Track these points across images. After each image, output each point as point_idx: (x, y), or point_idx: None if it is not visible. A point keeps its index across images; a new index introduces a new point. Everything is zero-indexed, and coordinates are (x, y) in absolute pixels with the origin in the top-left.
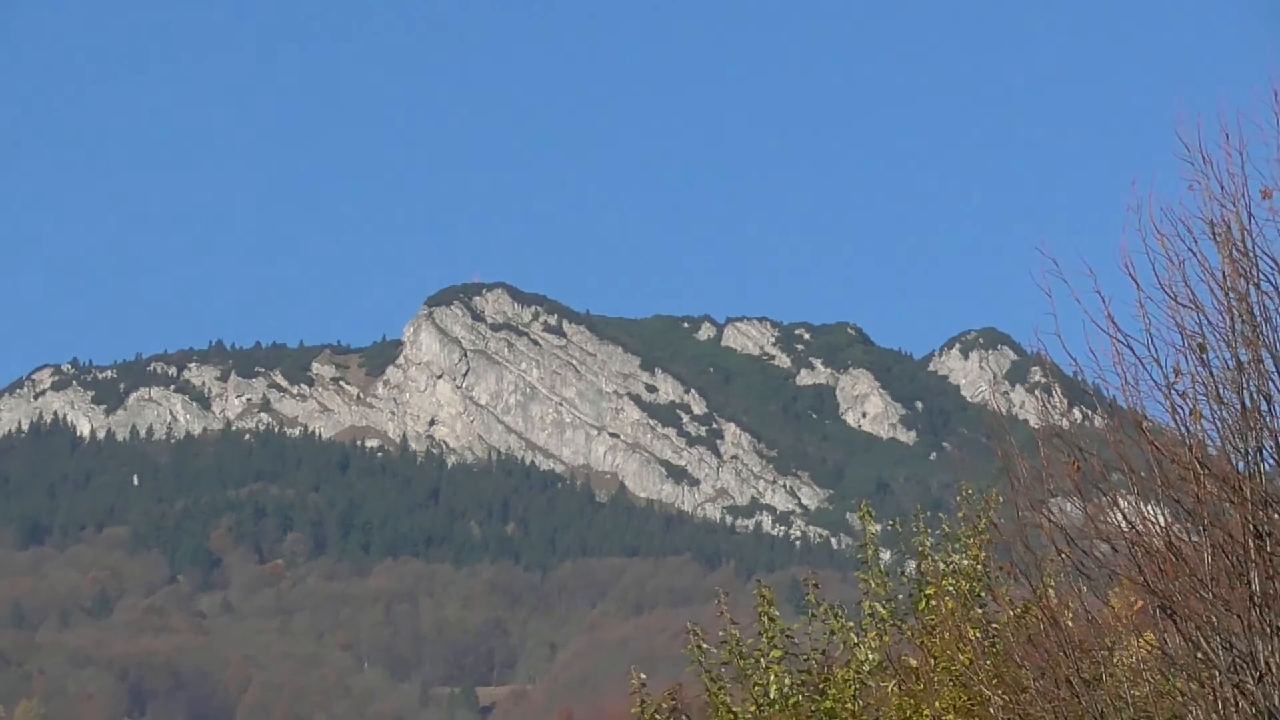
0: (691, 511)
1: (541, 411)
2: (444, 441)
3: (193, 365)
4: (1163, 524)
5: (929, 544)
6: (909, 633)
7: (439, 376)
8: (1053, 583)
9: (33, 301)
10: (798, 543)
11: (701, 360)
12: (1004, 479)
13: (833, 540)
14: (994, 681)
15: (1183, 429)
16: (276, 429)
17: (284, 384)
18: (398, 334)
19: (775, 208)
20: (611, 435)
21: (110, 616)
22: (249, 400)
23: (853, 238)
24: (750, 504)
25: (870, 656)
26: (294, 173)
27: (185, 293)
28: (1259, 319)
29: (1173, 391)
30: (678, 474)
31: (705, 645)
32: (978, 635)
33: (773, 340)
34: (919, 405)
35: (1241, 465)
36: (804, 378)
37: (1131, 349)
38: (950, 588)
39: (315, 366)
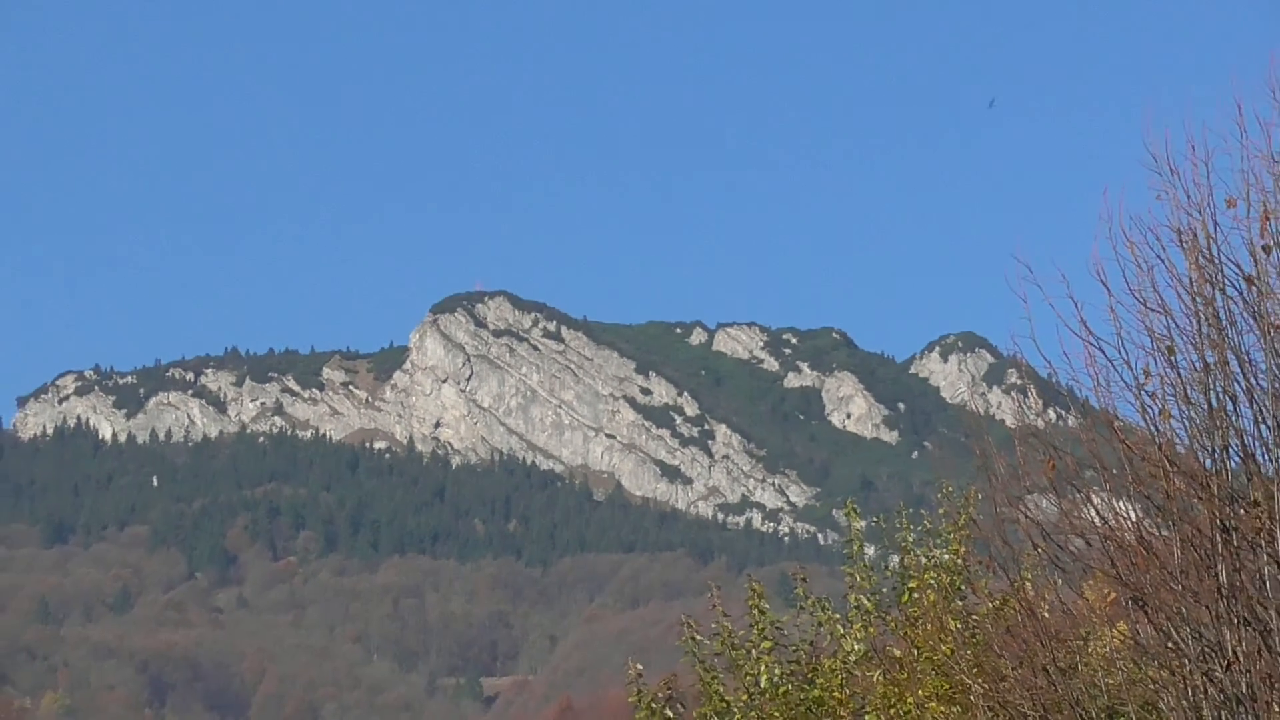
0: (685, 509)
1: (541, 414)
2: (449, 443)
3: (209, 371)
4: (1134, 519)
5: (911, 539)
6: (893, 624)
7: (444, 381)
8: (1030, 576)
9: (57, 310)
10: (786, 538)
11: (693, 364)
12: (982, 476)
13: (819, 536)
14: (974, 670)
15: (1152, 428)
16: (289, 432)
17: (296, 388)
18: (404, 340)
19: (763, 218)
20: (608, 436)
21: (131, 611)
22: (263, 404)
23: (837, 247)
24: (741, 501)
25: (856, 647)
26: (306, 187)
27: (202, 302)
28: (1224, 323)
29: (1143, 392)
30: (671, 473)
31: (699, 636)
32: (958, 626)
33: (761, 344)
34: (901, 406)
35: (1209, 463)
36: (791, 380)
37: (1103, 352)
38: (932, 581)
39: (326, 372)
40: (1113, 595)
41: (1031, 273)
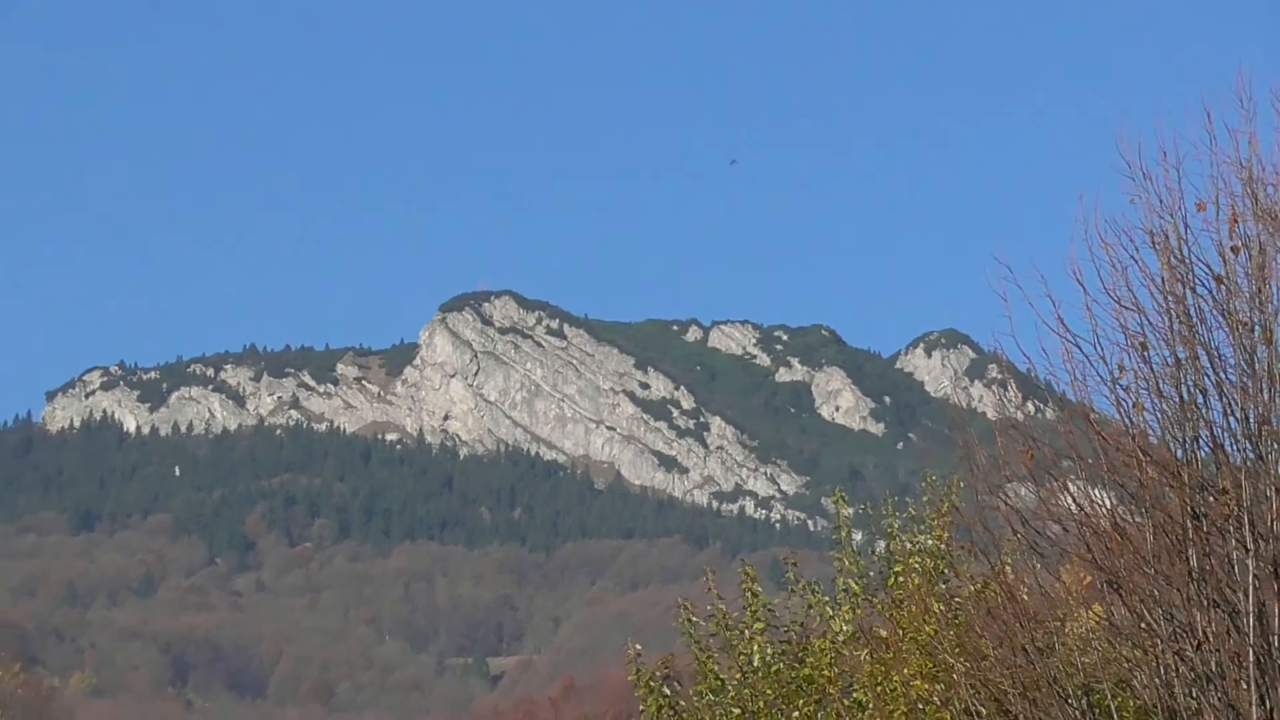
0: (681, 497)
1: (545, 407)
2: (457, 435)
3: (229, 366)
4: (1109, 506)
5: (897, 525)
6: (879, 606)
7: (452, 376)
8: (1009, 560)
9: (83, 309)
10: (778, 525)
11: (689, 360)
12: (964, 466)
13: (809, 523)
14: (957, 650)
15: (1126, 420)
16: (305, 424)
17: (311, 383)
18: (414, 337)
19: (756, 221)
20: (608, 428)
21: (155, 596)
22: (280, 398)
23: (826, 248)
24: (734, 490)
25: (844, 628)
26: (322, 192)
27: (222, 301)
28: (1195, 320)
29: (1117, 386)
30: (668, 463)
31: (694, 618)
32: (942, 608)
33: (754, 341)
34: (887, 400)
35: (1180, 453)
36: (782, 375)
37: (1079, 348)
38: (916, 565)
39: (340, 367)
40: (1088, 579)
41: (1011, 273)
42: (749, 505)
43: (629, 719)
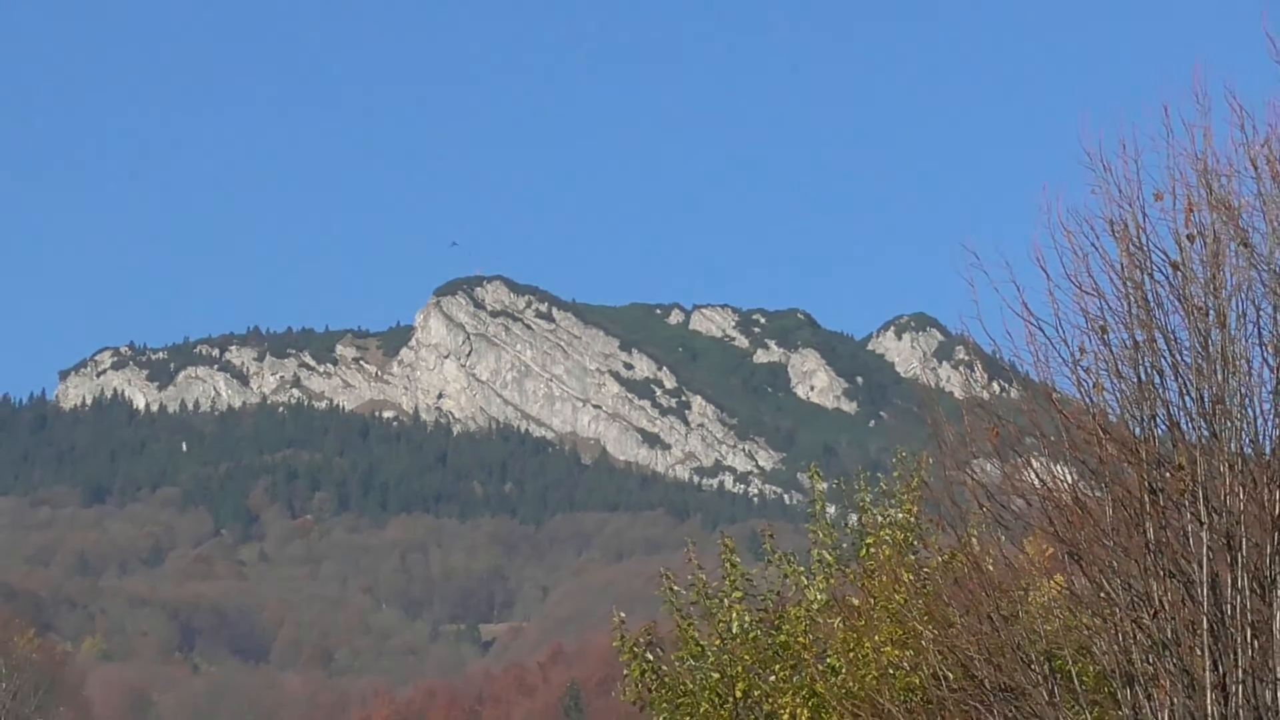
0: (664, 472)
1: (534, 386)
2: (450, 413)
3: (233, 347)
4: (1070, 482)
5: (869, 499)
6: (852, 576)
7: (446, 357)
8: (975, 532)
9: (94, 292)
10: (755, 499)
11: (672, 341)
12: (933, 443)
13: (785, 497)
14: (925, 618)
15: (1087, 400)
16: (306, 402)
17: (312, 363)
18: (410, 320)
19: (735, 209)
20: (595, 407)
21: (163, 565)
22: (282, 378)
23: (802, 235)
24: (714, 465)
25: (819, 596)
26: (323, 181)
27: (227, 285)
28: (1152, 305)
29: (1078, 367)
30: (652, 440)
31: (676, 587)
32: (911, 578)
33: (733, 324)
34: (859, 380)
35: (1138, 431)
36: (760, 356)
37: (1043, 331)
38: (887, 537)
39: (339, 348)
40: (1050, 550)
41: (978, 259)
42: (728, 480)
43: (614, 683)
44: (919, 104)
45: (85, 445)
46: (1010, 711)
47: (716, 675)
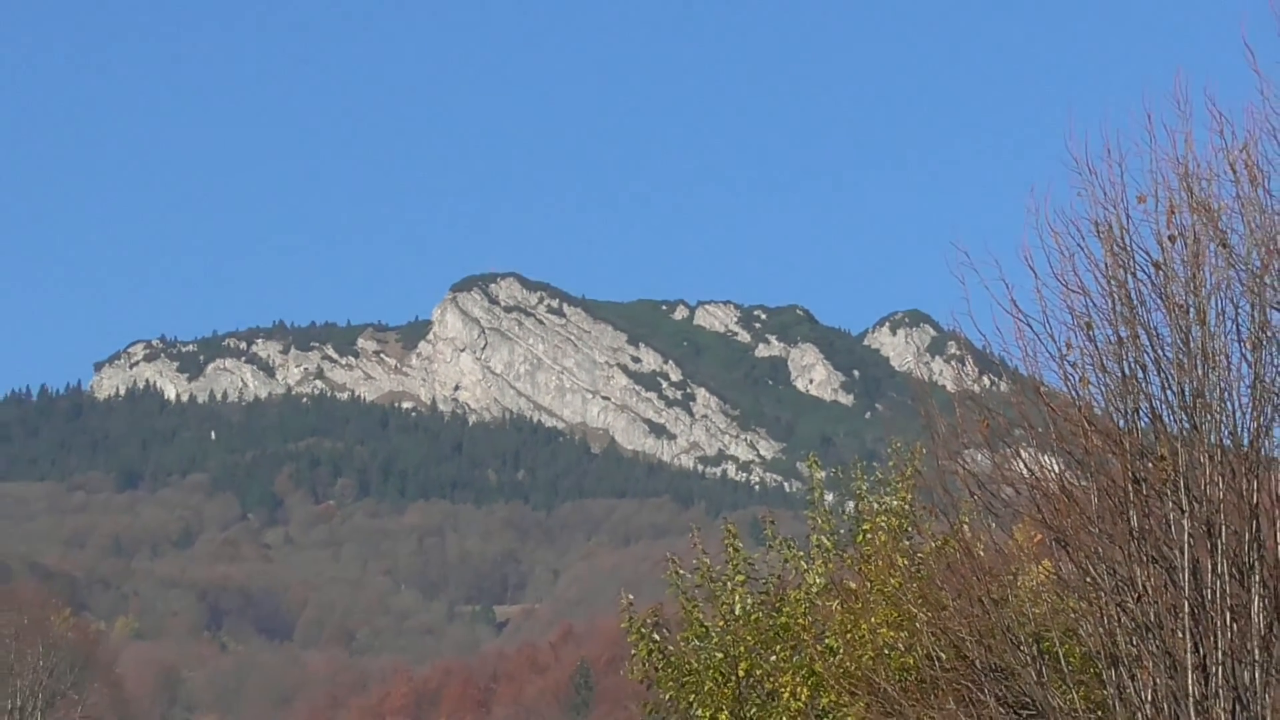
0: (669, 461)
1: (546, 379)
2: (466, 403)
3: (259, 340)
4: (1057, 471)
5: (865, 488)
6: (849, 561)
7: (462, 350)
8: (967, 520)
9: (128, 288)
10: (757, 487)
11: (677, 336)
12: (926, 434)
13: (785, 485)
14: (919, 601)
15: (1073, 393)
16: (329, 393)
17: (334, 356)
18: (428, 315)
19: (738, 210)
20: (603, 398)
21: (192, 548)
22: (306, 369)
23: (802, 235)
24: (718, 455)
25: (817, 580)
26: (344, 182)
27: (254, 281)
28: (1135, 302)
29: (1065, 362)
30: (658, 430)
31: (681, 571)
32: (905, 563)
33: (735, 320)
34: (856, 374)
35: (1122, 423)
36: (761, 350)
37: (1030, 327)
38: (883, 524)
39: (360, 342)
40: (1039, 536)
41: (969, 258)
42: (731, 469)
43: (622, 662)
44: (913, 112)
45: (119, 434)
46: (1000, 690)
47: (720, 655)
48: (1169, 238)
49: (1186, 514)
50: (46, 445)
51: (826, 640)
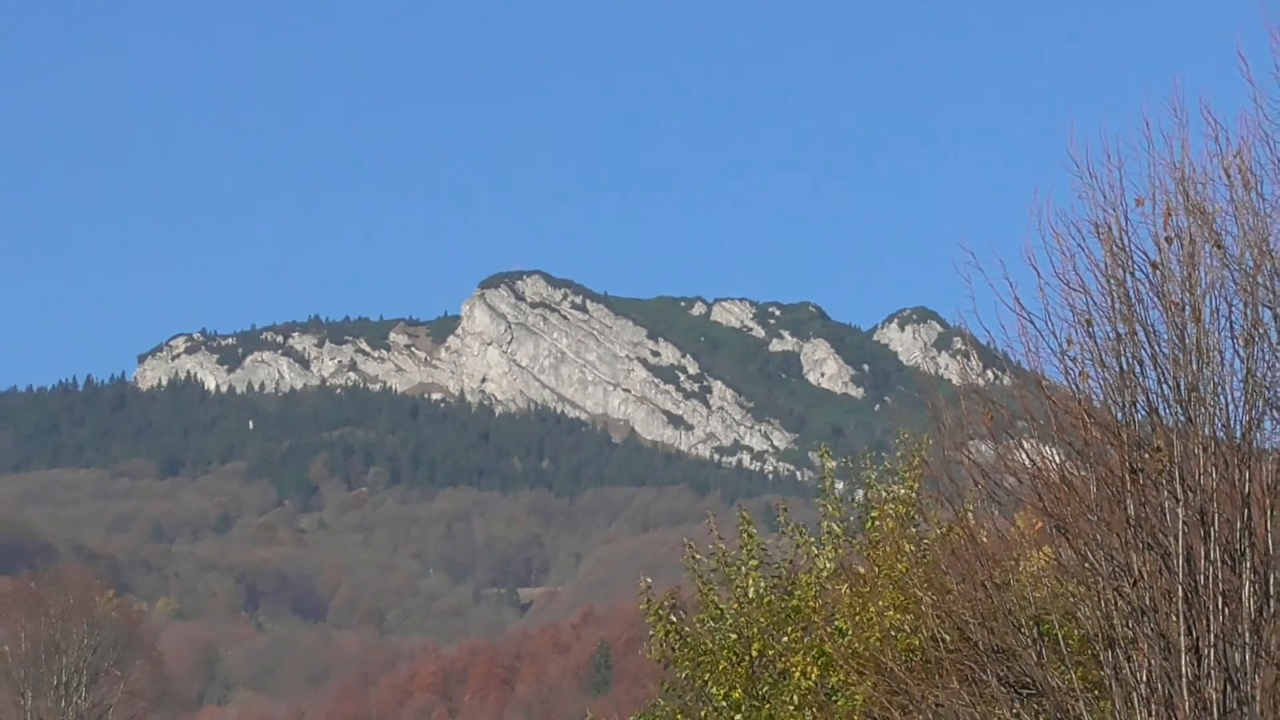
0: (687, 450)
1: (569, 371)
2: (493, 395)
3: (296, 334)
4: (1058, 462)
5: (874, 477)
6: (858, 546)
7: (489, 344)
8: (971, 507)
9: (170, 283)
10: (770, 475)
11: (694, 331)
12: (933, 426)
13: (798, 474)
14: (925, 585)
15: (1074, 387)
16: (361, 385)
17: (367, 349)
18: (457, 310)
19: (754, 210)
20: (624, 390)
21: (231, 532)
22: (340, 362)
23: (815, 234)
24: (733, 445)
25: (828, 565)
26: (378, 182)
27: (290, 277)
28: (1133, 301)
29: (1066, 357)
30: (676, 421)
31: (698, 556)
32: (912, 549)
33: (750, 316)
34: (866, 368)
35: (1120, 415)
36: (775, 345)
37: (1033, 324)
38: (890, 511)
39: (392, 335)
40: (1039, 524)
41: (975, 258)
42: (745, 458)
43: (640, 643)
44: (921, 120)
45: (161, 423)
46: (1002, 671)
47: (734, 636)
48: (1166, 239)
49: (1181, 503)
50: (92, 434)
51: (836, 622)
